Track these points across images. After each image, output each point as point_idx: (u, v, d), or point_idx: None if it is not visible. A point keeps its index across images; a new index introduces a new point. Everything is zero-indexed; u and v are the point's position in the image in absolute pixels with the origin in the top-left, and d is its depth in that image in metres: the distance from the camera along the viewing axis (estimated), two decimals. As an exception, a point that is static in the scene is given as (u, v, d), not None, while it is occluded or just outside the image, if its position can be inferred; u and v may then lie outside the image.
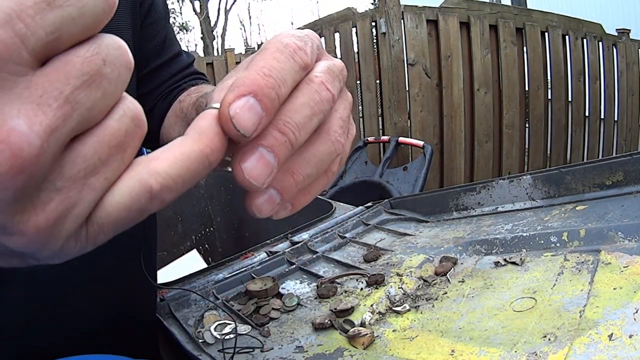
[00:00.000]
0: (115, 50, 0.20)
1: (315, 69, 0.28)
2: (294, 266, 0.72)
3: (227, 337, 0.55)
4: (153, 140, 0.70)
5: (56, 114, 0.18)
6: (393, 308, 0.56)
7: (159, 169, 0.21)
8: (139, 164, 0.21)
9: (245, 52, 5.60)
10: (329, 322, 0.55)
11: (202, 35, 15.58)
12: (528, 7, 6.57)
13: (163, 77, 0.69)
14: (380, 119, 3.23)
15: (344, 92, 0.31)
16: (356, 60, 3.38)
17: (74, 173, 0.20)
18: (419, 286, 0.60)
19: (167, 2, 0.71)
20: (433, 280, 0.61)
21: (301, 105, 0.26)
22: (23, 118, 0.17)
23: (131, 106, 0.21)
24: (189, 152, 0.22)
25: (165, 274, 0.72)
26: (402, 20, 2.95)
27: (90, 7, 0.19)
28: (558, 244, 0.61)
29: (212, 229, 1.74)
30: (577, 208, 0.68)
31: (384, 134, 3.12)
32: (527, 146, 3.67)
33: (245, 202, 0.27)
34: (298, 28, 4.54)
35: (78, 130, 0.19)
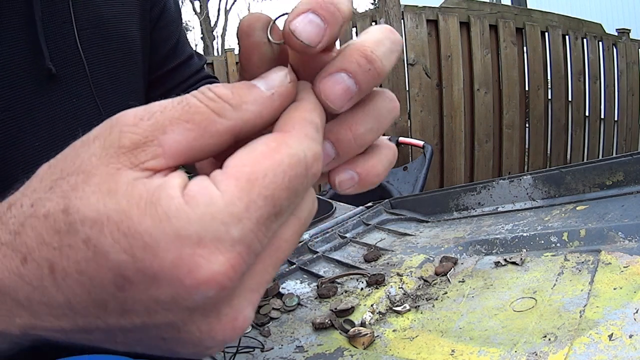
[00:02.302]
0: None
1: None
2: (294, 266, 0.72)
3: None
4: None
5: (260, 294, 0.22)
6: (393, 308, 0.56)
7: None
8: None
9: (245, 52, 5.58)
10: (329, 322, 0.55)
11: (202, 35, 15.58)
12: (528, 7, 6.57)
13: (176, 79, 0.68)
14: (380, 118, 3.22)
15: None
16: (356, 60, 3.37)
17: None
18: (419, 286, 0.60)
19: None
20: (433, 280, 0.61)
21: (383, 39, 0.26)
22: (249, 306, 0.21)
23: None
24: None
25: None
26: (402, 20, 2.95)
27: (299, 202, 0.23)
28: (558, 244, 0.61)
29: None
30: (577, 208, 0.68)
31: (384, 134, 3.12)
32: (527, 146, 3.67)
33: None
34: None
35: None
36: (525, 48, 3.44)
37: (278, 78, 0.24)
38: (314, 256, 0.75)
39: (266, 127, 0.23)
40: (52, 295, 0.19)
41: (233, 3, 22.76)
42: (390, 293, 0.59)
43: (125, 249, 0.18)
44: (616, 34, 4.18)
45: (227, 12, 16.44)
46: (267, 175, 0.20)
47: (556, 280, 0.52)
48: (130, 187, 0.19)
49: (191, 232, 0.18)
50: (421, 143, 2.72)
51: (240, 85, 0.23)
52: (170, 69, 0.68)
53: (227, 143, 0.22)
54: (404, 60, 2.98)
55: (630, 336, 0.39)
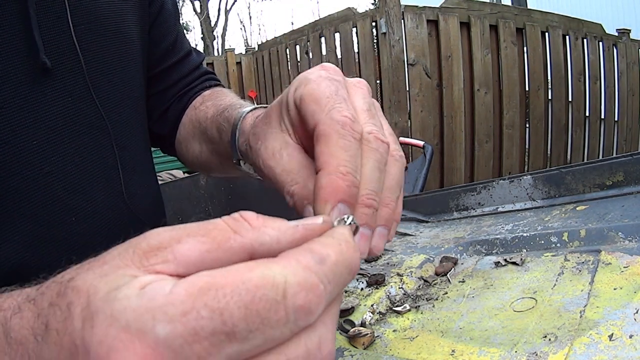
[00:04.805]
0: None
1: (359, 119, 0.30)
2: (294, 266, 0.72)
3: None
4: (167, 144, 0.69)
5: None
6: (393, 308, 0.56)
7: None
8: None
9: (246, 52, 5.59)
10: (329, 322, 0.55)
11: (202, 36, 15.58)
12: (528, 7, 6.57)
13: (175, 77, 0.67)
14: (380, 119, 3.22)
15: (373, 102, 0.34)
16: (356, 60, 3.38)
17: None
18: (419, 286, 0.60)
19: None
20: (433, 280, 0.61)
21: (372, 170, 0.29)
22: None
23: None
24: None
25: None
26: (402, 21, 2.95)
27: (277, 336, 0.19)
28: (558, 244, 0.61)
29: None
30: (577, 208, 0.68)
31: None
32: (527, 146, 3.67)
33: None
34: (298, 28, 4.51)
35: None
36: (525, 48, 3.44)
37: (313, 219, 0.25)
38: (314, 256, 0.74)
39: None
40: (41, 355, 0.21)
41: (233, 3, 22.78)
42: (390, 293, 0.59)
43: (83, 318, 0.19)
44: (616, 34, 4.19)
45: (227, 12, 16.45)
46: (223, 289, 0.19)
47: (556, 281, 0.52)
48: (117, 277, 0.20)
49: (122, 317, 0.18)
50: (421, 143, 2.72)
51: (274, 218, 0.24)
52: (170, 65, 0.67)
53: (242, 259, 0.22)
54: (404, 61, 2.98)
55: (631, 336, 0.39)
